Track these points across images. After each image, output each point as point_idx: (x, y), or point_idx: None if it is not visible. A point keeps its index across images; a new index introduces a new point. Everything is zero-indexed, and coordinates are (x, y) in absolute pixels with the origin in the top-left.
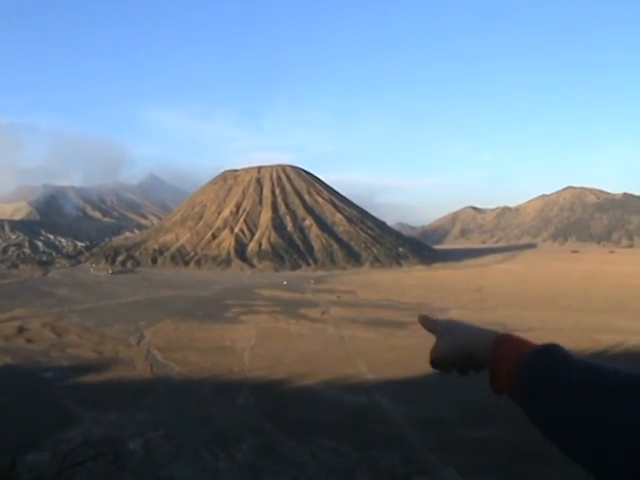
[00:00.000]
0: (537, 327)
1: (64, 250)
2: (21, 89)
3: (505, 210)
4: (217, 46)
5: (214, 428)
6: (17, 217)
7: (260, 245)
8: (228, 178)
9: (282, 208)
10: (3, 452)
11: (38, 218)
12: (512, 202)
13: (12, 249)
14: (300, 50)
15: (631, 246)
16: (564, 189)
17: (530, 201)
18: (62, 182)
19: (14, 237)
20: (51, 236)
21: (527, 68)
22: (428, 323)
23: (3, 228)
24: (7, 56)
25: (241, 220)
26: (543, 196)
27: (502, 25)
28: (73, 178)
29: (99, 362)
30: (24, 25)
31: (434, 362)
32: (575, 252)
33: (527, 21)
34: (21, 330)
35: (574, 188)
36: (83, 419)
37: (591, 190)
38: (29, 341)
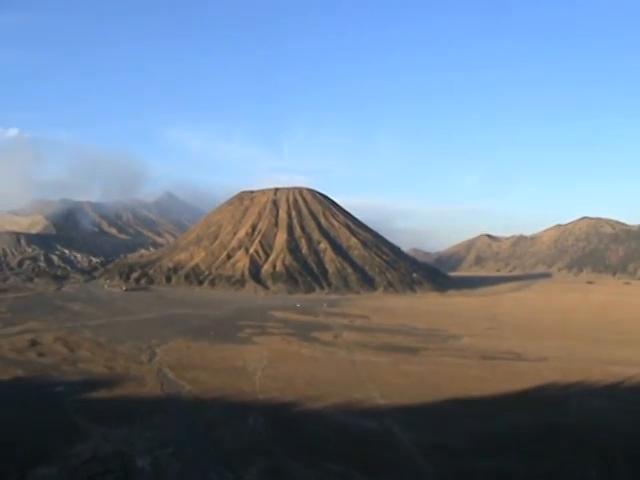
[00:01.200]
0: (550, 357)
1: (79, 265)
2: (42, 104)
3: (520, 239)
4: (236, 66)
5: (223, 448)
6: (33, 231)
7: (274, 267)
8: (245, 199)
9: (297, 231)
10: (13, 465)
11: (54, 232)
12: (527, 231)
13: (27, 262)
14: (319, 73)
15: None
16: (580, 219)
17: (546, 230)
18: (80, 197)
19: (30, 250)
20: (66, 251)
21: (544, 98)
22: None
23: (19, 241)
24: (29, 72)
25: (256, 241)
26: (559, 226)
27: (517, 53)
28: (91, 193)
29: (110, 378)
30: (46, 41)
31: None
32: (590, 283)
33: (542, 50)
34: (33, 343)
35: (590, 218)
36: (93, 434)
37: (607, 221)
38: (41, 355)
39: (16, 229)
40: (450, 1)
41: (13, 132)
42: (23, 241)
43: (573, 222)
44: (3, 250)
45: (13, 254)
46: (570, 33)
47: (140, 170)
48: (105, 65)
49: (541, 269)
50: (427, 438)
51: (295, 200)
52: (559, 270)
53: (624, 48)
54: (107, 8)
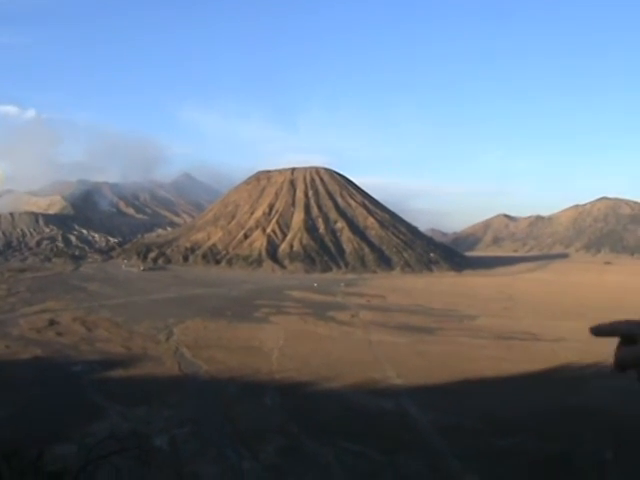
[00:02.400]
0: (567, 337)
1: (96, 245)
2: (60, 86)
3: (538, 219)
4: (252, 45)
5: (240, 427)
6: (51, 211)
7: (292, 246)
8: (262, 179)
9: (314, 210)
10: (31, 443)
11: (72, 212)
12: (545, 211)
13: (46, 242)
14: (335, 50)
15: None
16: (598, 199)
17: (563, 210)
18: (98, 178)
19: (48, 230)
20: (84, 231)
21: (567, 74)
22: (608, 328)
23: (37, 221)
24: (47, 53)
25: (273, 221)
26: (577, 206)
27: (539, 28)
28: (109, 174)
29: (127, 357)
30: (64, 25)
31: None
32: (608, 263)
33: (564, 24)
34: (52, 323)
35: (608, 199)
36: (110, 413)
37: (626, 201)
38: (59, 334)
39: (34, 209)
40: None
41: (31, 113)
42: (41, 221)
43: (591, 202)
44: (22, 230)
45: (32, 234)
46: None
47: (158, 151)
48: (121, 47)
49: (558, 249)
50: (443, 418)
51: (312, 180)
52: (577, 251)
53: None
54: None
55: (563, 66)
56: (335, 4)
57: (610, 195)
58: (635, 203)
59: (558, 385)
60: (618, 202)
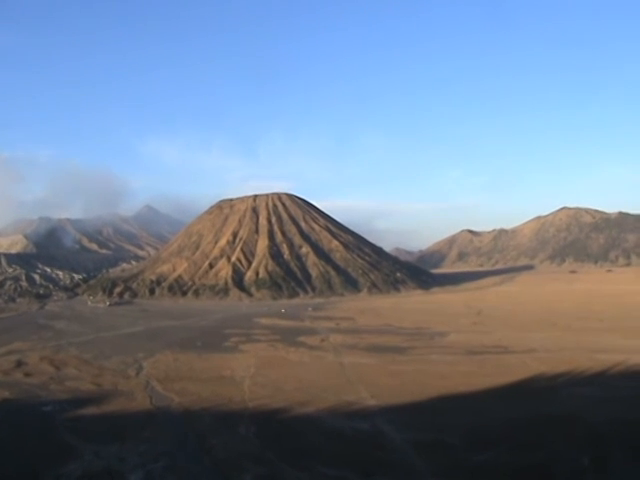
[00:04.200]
0: (538, 348)
1: (61, 283)
2: (19, 122)
3: (501, 232)
4: (210, 76)
5: (216, 458)
6: (14, 250)
7: (257, 274)
8: (224, 207)
9: (279, 236)
10: None
11: (35, 251)
12: (508, 224)
13: (9, 283)
14: (294, 75)
15: (628, 264)
16: (559, 210)
17: (526, 223)
18: (60, 214)
19: (11, 270)
20: (48, 269)
21: (521, 90)
22: None
23: (0, 262)
24: (4, 90)
25: (238, 249)
26: (539, 217)
27: (496, 44)
28: (71, 210)
29: (98, 394)
30: (20, 62)
31: None
32: (573, 272)
33: (524, 38)
34: (19, 364)
35: (569, 208)
36: (83, 452)
37: (586, 210)
38: (27, 375)
39: None
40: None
41: None
42: (3, 261)
43: (553, 213)
44: None
45: None
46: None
47: (120, 184)
48: (79, 80)
49: (524, 261)
50: (419, 436)
51: (274, 206)
52: (541, 262)
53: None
54: (74, 24)
55: (519, 80)
56: (290, 32)
57: (571, 205)
58: (596, 211)
59: (531, 396)
60: (579, 211)
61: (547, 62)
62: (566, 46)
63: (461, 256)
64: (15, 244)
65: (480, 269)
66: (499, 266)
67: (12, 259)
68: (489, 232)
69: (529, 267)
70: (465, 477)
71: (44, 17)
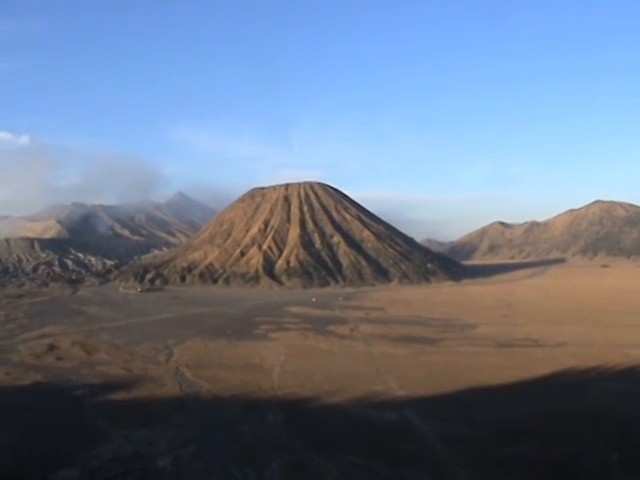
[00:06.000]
0: (567, 342)
1: (93, 268)
2: (53, 110)
3: (533, 225)
4: (241, 63)
5: (244, 445)
6: (47, 236)
7: (288, 262)
8: (256, 196)
9: (310, 225)
10: (34, 469)
11: (67, 236)
12: (540, 217)
13: (42, 267)
14: (327, 66)
15: None
16: (593, 203)
17: (558, 216)
18: (94, 201)
19: (44, 255)
20: (80, 254)
21: (555, 80)
22: None
23: (33, 247)
24: (39, 79)
25: (269, 237)
26: (571, 210)
27: (527, 37)
28: (105, 197)
29: (129, 380)
30: (54, 51)
31: None
32: (605, 267)
33: (554, 30)
34: (51, 348)
35: (603, 202)
36: (113, 436)
37: (620, 204)
38: (59, 359)
39: (30, 235)
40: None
41: (25, 139)
42: (37, 246)
43: (586, 206)
44: (18, 256)
45: (28, 260)
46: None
47: (153, 172)
48: (112, 69)
49: (555, 255)
50: (447, 428)
51: (306, 195)
52: (573, 255)
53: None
54: (113, 14)
55: (553, 71)
56: (324, 17)
57: (604, 198)
58: (630, 205)
59: (561, 390)
60: (613, 205)
61: (576, 51)
62: (601, 35)
63: (492, 248)
64: (49, 229)
65: (511, 261)
66: (530, 259)
67: (46, 244)
68: (521, 224)
69: (560, 260)
70: (493, 470)
71: (77, 6)
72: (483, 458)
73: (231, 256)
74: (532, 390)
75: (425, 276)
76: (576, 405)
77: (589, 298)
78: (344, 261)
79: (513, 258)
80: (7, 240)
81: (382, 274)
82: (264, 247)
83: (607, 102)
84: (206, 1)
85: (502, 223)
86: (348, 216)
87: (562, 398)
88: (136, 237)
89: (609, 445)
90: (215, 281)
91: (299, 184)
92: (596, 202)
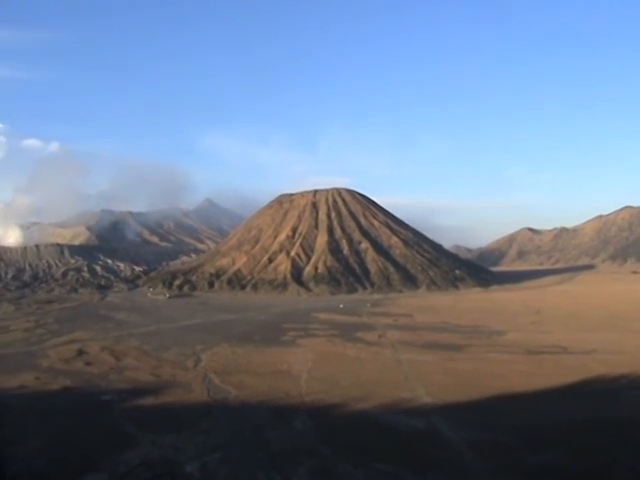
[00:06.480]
0: (597, 350)
1: (122, 274)
2: (83, 117)
3: (562, 231)
4: (270, 70)
5: (271, 451)
6: (76, 242)
7: (316, 269)
8: (284, 202)
9: (338, 232)
10: (63, 473)
11: (96, 243)
12: (569, 223)
13: (71, 273)
14: (354, 72)
15: None
16: (622, 208)
17: (587, 221)
18: (123, 207)
19: (73, 262)
20: (109, 260)
21: (584, 83)
22: None
23: (63, 253)
24: (67, 87)
25: (297, 244)
26: (600, 216)
27: (557, 47)
28: (134, 203)
29: (157, 385)
30: (84, 58)
31: None
32: (635, 273)
33: (592, 41)
34: (80, 353)
35: (632, 207)
36: (141, 441)
37: None
38: (88, 364)
39: (59, 241)
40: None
41: (54, 146)
42: (67, 252)
43: (615, 212)
44: (47, 262)
45: (57, 266)
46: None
47: (182, 179)
48: (141, 75)
49: (584, 261)
50: (475, 435)
51: (334, 201)
52: (603, 261)
53: None
54: (141, 22)
55: (582, 74)
56: (350, 21)
57: (634, 203)
58: None
59: (590, 398)
60: None
61: (608, 51)
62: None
63: (521, 254)
64: (78, 236)
65: (540, 268)
66: (559, 265)
67: (75, 250)
68: (550, 230)
69: (590, 267)
70: (522, 478)
71: (104, 12)
72: (512, 466)
73: (259, 262)
74: (561, 398)
75: (453, 282)
76: (606, 413)
77: (619, 305)
78: (372, 267)
79: (542, 264)
80: (37, 246)
81: (410, 280)
82: (292, 253)
83: (637, 105)
84: (236, 6)
85: (531, 229)
86: (376, 222)
87: (592, 406)
88: (164, 243)
89: None
90: (243, 287)
91: (327, 190)
92: (626, 207)
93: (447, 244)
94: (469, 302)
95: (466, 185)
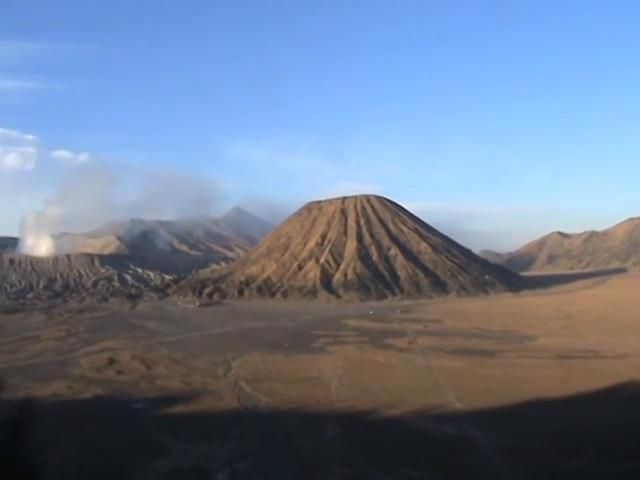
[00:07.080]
0: (630, 354)
1: (152, 283)
2: (112, 128)
3: (593, 234)
4: (297, 77)
5: (301, 459)
6: (107, 251)
7: (346, 275)
8: (312, 209)
9: (367, 238)
10: None
11: (127, 252)
12: (600, 226)
13: (102, 282)
14: (381, 78)
15: None
16: None
17: (618, 224)
18: (152, 217)
19: (104, 271)
20: (139, 269)
21: (612, 88)
22: None
23: (93, 262)
24: (98, 97)
25: (326, 251)
26: (632, 219)
27: (587, 49)
28: (163, 213)
29: (187, 393)
30: (112, 69)
31: None
32: None
33: (615, 46)
34: (111, 362)
35: None
36: (172, 449)
37: None
38: (119, 372)
39: (90, 251)
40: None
41: (84, 157)
42: (97, 262)
43: None
44: (78, 272)
45: (88, 275)
46: None
47: (211, 187)
48: (169, 85)
49: (615, 264)
50: (506, 441)
51: (363, 208)
52: (634, 265)
53: None
54: (168, 32)
55: (608, 79)
56: (378, 28)
57: None
58: None
59: (623, 403)
60: None
61: (630, 62)
62: None
63: (551, 258)
64: (108, 245)
65: (570, 272)
66: (590, 269)
67: (105, 260)
68: (580, 234)
69: (621, 270)
70: None
71: (140, 26)
72: (544, 472)
73: (288, 270)
74: (593, 403)
75: (483, 288)
76: (638, 418)
77: None
78: (401, 274)
79: (572, 268)
80: (68, 256)
81: (440, 286)
82: (321, 260)
83: None
84: (259, 13)
85: (561, 233)
86: (405, 228)
87: (624, 411)
88: (194, 252)
89: None
90: (273, 295)
91: (355, 197)
92: None
93: (476, 249)
94: (499, 307)
95: (494, 190)
